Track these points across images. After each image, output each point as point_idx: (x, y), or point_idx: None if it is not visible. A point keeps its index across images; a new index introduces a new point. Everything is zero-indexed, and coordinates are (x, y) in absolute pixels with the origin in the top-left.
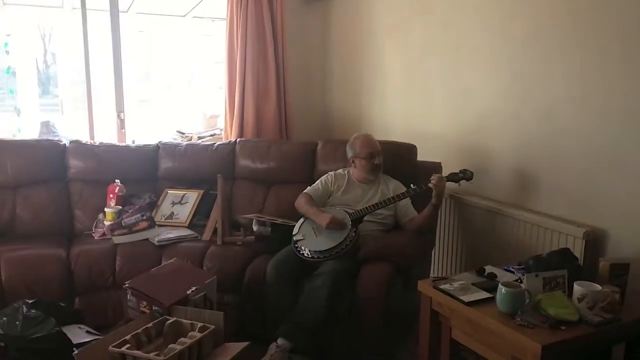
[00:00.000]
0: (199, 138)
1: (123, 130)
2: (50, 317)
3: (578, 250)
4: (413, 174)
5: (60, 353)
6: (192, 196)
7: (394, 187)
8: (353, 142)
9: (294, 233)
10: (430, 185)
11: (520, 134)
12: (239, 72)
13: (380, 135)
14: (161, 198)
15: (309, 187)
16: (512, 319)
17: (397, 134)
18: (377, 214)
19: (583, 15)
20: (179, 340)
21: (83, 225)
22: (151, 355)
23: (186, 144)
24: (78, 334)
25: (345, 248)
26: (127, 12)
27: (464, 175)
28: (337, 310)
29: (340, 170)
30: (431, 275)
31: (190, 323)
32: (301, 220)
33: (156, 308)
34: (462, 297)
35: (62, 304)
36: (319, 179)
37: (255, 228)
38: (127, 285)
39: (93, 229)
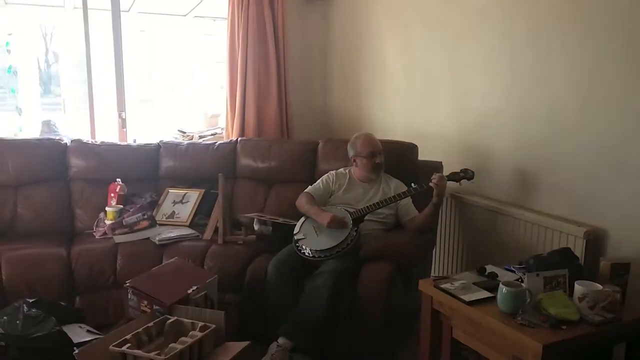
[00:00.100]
0: (200, 137)
1: (124, 130)
2: (50, 317)
3: (579, 250)
4: (414, 173)
5: (61, 352)
6: (193, 195)
7: (395, 186)
8: (354, 141)
9: (295, 232)
10: (431, 184)
11: (521, 134)
12: (240, 71)
13: (381, 135)
14: (162, 197)
15: (310, 186)
16: (513, 318)
17: (397, 133)
18: (378, 213)
19: (584, 15)
20: (180, 339)
21: (84, 224)
22: (152, 354)
23: (187, 143)
24: (79, 333)
25: (346, 247)
26: (128, 11)
27: (465, 174)
28: (338, 310)
29: (341, 170)
30: (432, 274)
31: (191, 322)
32: (302, 219)
33: (157, 307)
34: (463, 297)
35: (63, 303)
36: (320, 178)
37: (256, 227)
38: (128, 284)
39: (94, 228)
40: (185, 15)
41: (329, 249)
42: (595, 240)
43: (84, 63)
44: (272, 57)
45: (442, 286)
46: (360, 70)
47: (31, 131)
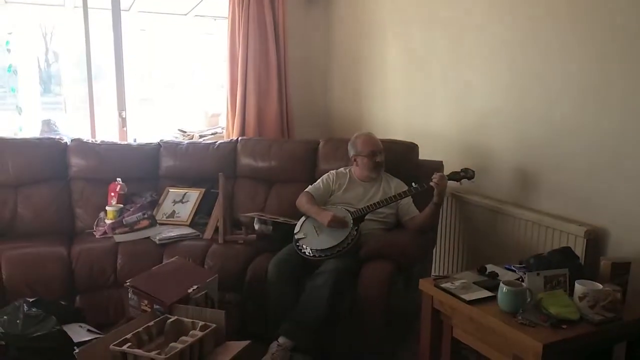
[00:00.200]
0: (201, 136)
1: (124, 129)
2: (51, 316)
3: (579, 249)
4: (414, 173)
5: (61, 352)
6: (194, 195)
7: (396, 185)
8: (355, 140)
9: (295, 232)
10: (431, 184)
11: (521, 133)
12: (240, 70)
13: (381, 134)
14: (162, 196)
15: (310, 185)
16: (514, 317)
17: (398, 133)
18: (379, 212)
19: (583, 15)
20: (180, 339)
21: (84, 223)
22: (152, 354)
23: (187, 143)
24: (79, 333)
25: (347, 247)
26: (128, 10)
27: (466, 174)
28: (338, 309)
29: (341, 169)
30: (432, 274)
31: (192, 322)
32: (302, 218)
33: (157, 307)
34: (463, 296)
35: (63, 303)
36: (321, 178)
37: (256, 227)
38: (128, 283)
39: (94, 227)
40: (185, 15)
41: (329, 248)
42: (596, 239)
43: (84, 62)
44: (272, 56)
45: (443, 285)
46: (360, 70)
47: (31, 130)
